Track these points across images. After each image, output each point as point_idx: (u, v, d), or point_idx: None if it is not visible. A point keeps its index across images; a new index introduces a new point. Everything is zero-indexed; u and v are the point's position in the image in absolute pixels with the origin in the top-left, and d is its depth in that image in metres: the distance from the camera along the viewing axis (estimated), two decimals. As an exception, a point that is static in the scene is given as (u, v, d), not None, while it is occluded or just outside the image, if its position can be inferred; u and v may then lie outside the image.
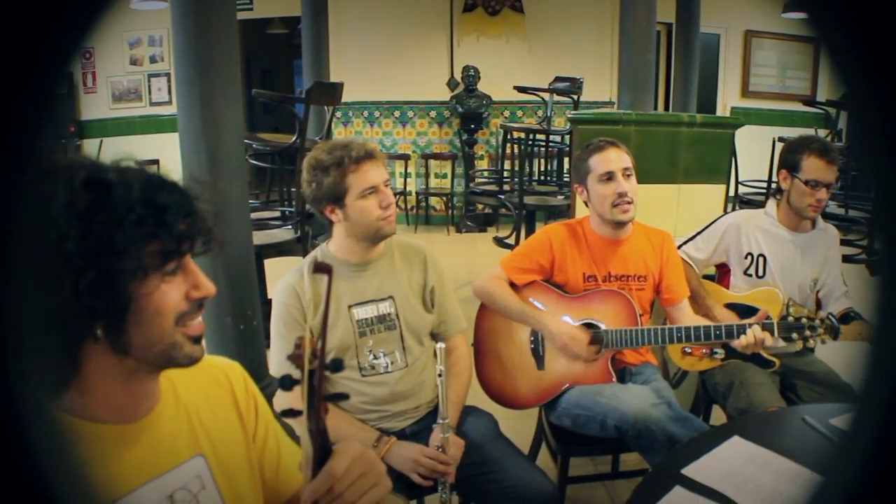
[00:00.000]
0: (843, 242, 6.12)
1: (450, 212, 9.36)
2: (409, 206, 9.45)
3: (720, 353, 2.75)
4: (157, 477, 1.19)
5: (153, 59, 9.52)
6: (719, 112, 9.90)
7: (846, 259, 5.64)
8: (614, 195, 2.54)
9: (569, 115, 3.82)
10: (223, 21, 3.13)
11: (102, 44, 9.36)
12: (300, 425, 1.07)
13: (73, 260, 0.97)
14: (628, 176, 2.56)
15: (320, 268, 1.05)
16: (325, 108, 5.20)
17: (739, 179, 7.58)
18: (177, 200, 1.09)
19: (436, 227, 9.45)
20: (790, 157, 2.83)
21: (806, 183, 2.74)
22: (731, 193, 7.59)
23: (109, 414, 1.14)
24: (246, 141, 4.31)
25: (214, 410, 1.32)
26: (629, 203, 2.55)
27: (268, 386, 2.85)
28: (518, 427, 2.91)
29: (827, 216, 5.88)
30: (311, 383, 1.04)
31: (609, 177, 2.54)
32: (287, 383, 1.05)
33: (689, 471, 1.78)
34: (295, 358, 1.04)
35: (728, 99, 10.10)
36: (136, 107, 9.67)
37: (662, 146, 3.37)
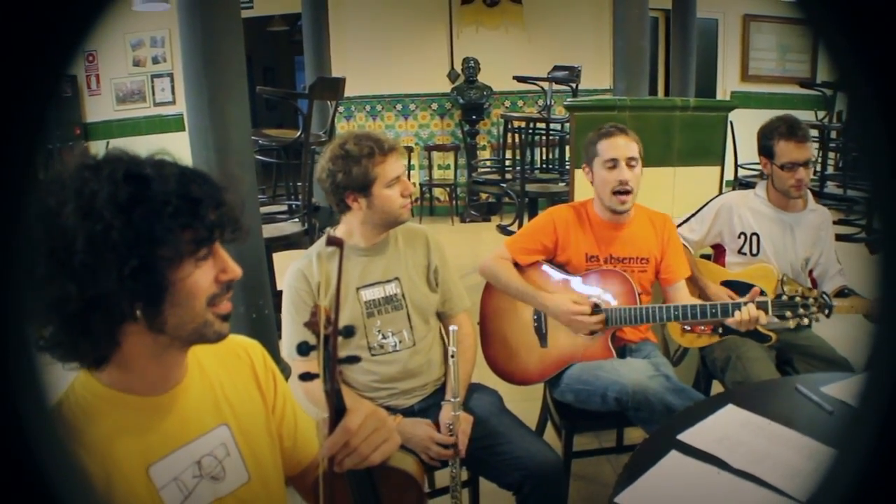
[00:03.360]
0: (843, 222, 6.20)
1: (453, 202, 9.45)
2: (412, 198, 9.47)
3: (719, 329, 2.83)
4: (187, 444, 1.30)
5: (156, 60, 9.59)
6: (719, 97, 9.93)
7: (846, 238, 5.71)
8: (615, 182, 2.63)
9: (565, 103, 3.89)
10: (228, 20, 3.23)
11: (105, 46, 9.43)
12: (317, 387, 1.17)
13: (117, 248, 1.06)
14: (632, 166, 2.64)
15: (332, 241, 1.15)
16: (329, 102, 5.28)
17: (739, 162, 7.64)
18: (208, 192, 1.18)
19: (440, 217, 9.53)
20: (764, 144, 2.91)
21: (782, 167, 2.82)
22: (731, 177, 7.67)
23: (144, 387, 1.25)
24: (252, 137, 4.40)
25: (236, 384, 1.42)
26: (628, 193, 2.64)
27: (281, 372, 2.95)
28: (524, 407, 3.00)
29: (825, 196, 5.97)
30: (327, 348, 1.15)
31: (613, 164, 2.63)
32: (304, 349, 1.16)
33: (685, 436, 1.86)
34: (311, 325, 1.14)
35: (728, 83, 10.13)
36: (141, 108, 9.75)
37: (657, 130, 3.44)
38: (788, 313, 2.41)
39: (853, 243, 5.90)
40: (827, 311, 2.45)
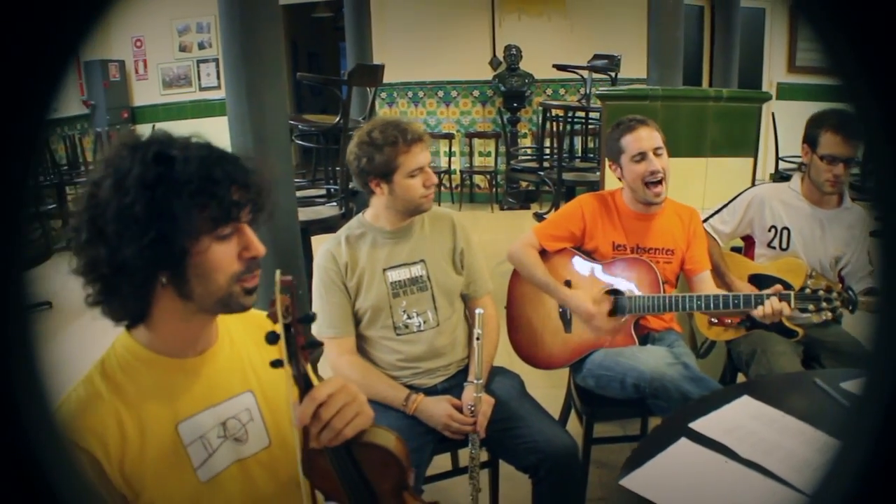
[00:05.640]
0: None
1: (494, 189, 9.47)
2: (453, 185, 9.60)
3: (746, 322, 2.83)
4: (214, 406, 1.42)
5: (202, 46, 9.77)
6: (765, 88, 9.80)
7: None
8: (647, 173, 2.65)
9: (597, 92, 3.91)
10: (267, 9, 3.30)
11: (153, 32, 9.64)
12: (286, 373, 1.26)
13: (140, 221, 1.19)
14: (659, 154, 2.66)
15: (271, 315, 1.26)
16: (368, 89, 5.34)
17: (780, 155, 7.55)
18: (230, 174, 1.28)
19: (480, 204, 9.57)
20: (810, 132, 2.86)
21: (822, 158, 2.78)
22: (772, 169, 7.59)
23: (175, 349, 1.37)
24: (292, 122, 4.48)
25: (262, 354, 1.49)
26: (661, 181, 2.66)
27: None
28: (550, 393, 3.08)
29: (867, 190, 5.87)
30: (289, 335, 1.24)
31: (641, 157, 2.65)
32: (272, 338, 1.25)
33: (697, 425, 1.88)
34: (270, 315, 1.25)
35: (774, 74, 9.96)
36: (187, 92, 9.98)
37: (690, 121, 3.45)
38: (811, 306, 2.39)
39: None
40: (851, 307, 2.40)
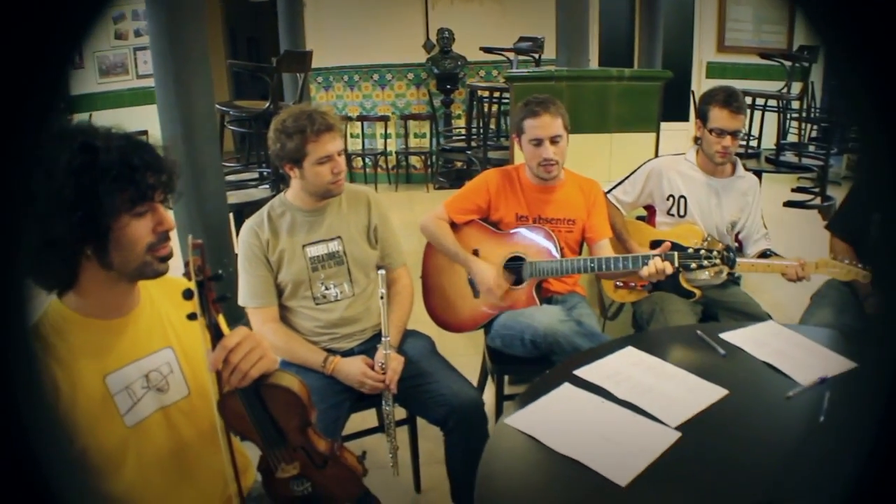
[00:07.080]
0: (799, 190, 6.37)
1: (429, 170, 9.69)
2: (389, 166, 9.78)
3: (648, 285, 3.06)
4: (137, 360, 1.63)
5: (138, 33, 9.68)
6: (695, 67, 10.09)
7: (800, 205, 5.93)
8: (540, 158, 2.88)
9: (505, 73, 4.10)
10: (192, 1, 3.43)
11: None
12: (200, 324, 1.48)
13: (68, 203, 1.38)
14: (556, 142, 2.88)
15: (195, 247, 1.48)
16: (297, 75, 5.47)
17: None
18: (146, 161, 1.50)
19: (416, 185, 9.76)
20: (701, 109, 3.12)
21: (711, 131, 3.05)
22: (692, 144, 7.84)
23: (101, 311, 1.58)
24: (224, 109, 4.61)
25: (180, 314, 1.68)
26: (553, 165, 2.88)
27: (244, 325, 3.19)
28: (472, 361, 3.32)
29: (781, 164, 6.17)
30: (201, 291, 1.47)
31: (538, 143, 2.87)
32: (187, 294, 1.48)
33: (580, 371, 2.10)
34: (186, 274, 1.47)
35: (704, 54, 10.24)
36: (124, 80, 9.91)
37: (594, 99, 3.68)
38: (693, 264, 2.60)
39: (808, 210, 6.11)
40: (730, 264, 2.61)
